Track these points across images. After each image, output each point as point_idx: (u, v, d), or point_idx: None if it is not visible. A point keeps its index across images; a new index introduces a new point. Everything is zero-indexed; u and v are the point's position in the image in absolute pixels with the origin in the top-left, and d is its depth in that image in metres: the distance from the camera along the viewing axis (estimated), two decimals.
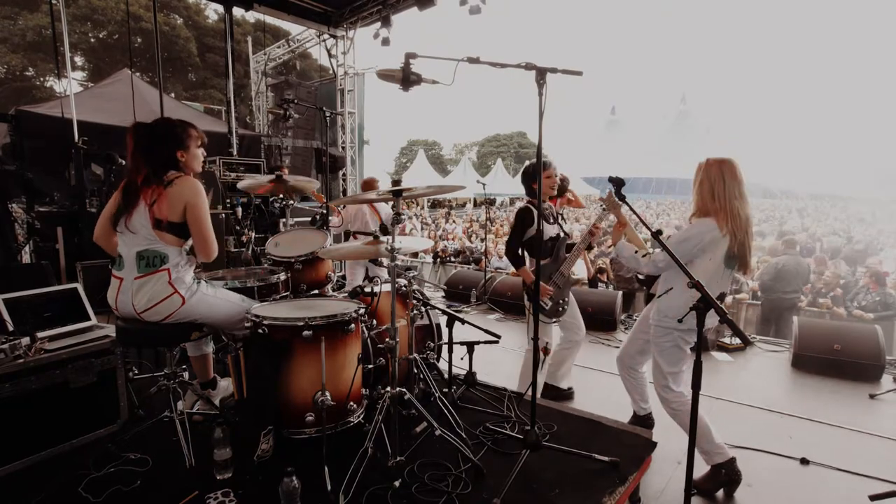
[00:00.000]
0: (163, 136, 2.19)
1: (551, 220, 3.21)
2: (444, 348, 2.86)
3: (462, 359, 3.08)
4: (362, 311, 2.30)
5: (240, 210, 5.02)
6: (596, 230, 3.05)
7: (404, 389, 2.13)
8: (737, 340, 4.50)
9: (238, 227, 5.01)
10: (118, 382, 2.49)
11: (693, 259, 2.28)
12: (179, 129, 2.23)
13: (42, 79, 22.49)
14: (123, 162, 4.46)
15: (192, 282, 2.21)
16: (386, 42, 7.85)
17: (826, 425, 3.11)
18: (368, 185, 5.65)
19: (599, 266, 7.07)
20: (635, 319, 5.40)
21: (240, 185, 3.16)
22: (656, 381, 2.46)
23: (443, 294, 6.86)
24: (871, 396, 3.53)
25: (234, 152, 7.81)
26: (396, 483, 1.94)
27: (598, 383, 3.83)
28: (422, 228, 15.91)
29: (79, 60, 23.13)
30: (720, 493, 2.37)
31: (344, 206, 5.25)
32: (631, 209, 2.18)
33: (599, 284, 6.83)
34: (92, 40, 23.90)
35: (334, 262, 4.45)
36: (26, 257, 5.02)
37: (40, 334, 2.30)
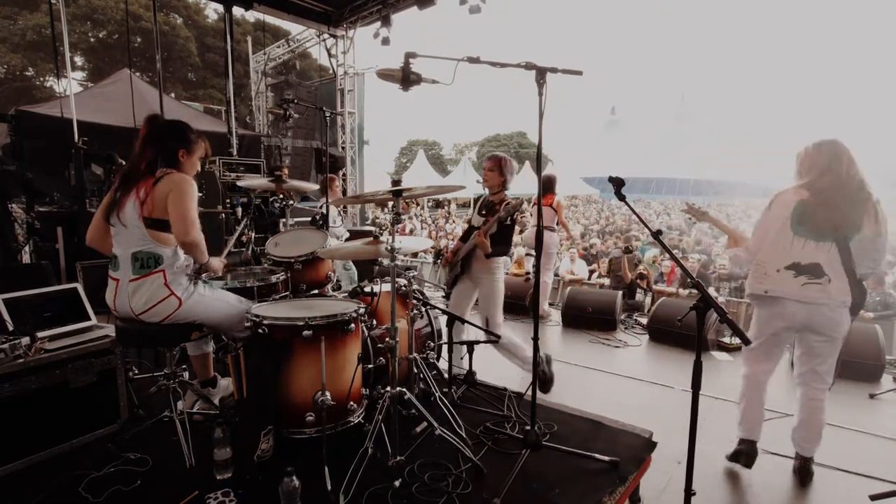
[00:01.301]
0: (175, 132, 2.25)
1: (483, 212, 3.36)
2: (444, 348, 2.87)
3: (462, 359, 3.08)
4: (362, 310, 2.30)
5: (240, 210, 5.02)
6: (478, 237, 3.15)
7: (404, 389, 2.13)
8: (737, 340, 4.50)
9: (238, 227, 5.01)
10: (118, 382, 2.48)
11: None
12: (193, 134, 2.30)
13: (42, 79, 22.47)
14: (123, 163, 4.46)
15: (189, 283, 2.21)
16: (386, 42, 7.85)
17: (826, 425, 3.10)
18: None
19: (640, 272, 6.77)
20: (635, 319, 5.44)
21: (240, 182, 3.17)
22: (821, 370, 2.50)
23: (443, 294, 6.86)
24: (871, 396, 3.53)
25: (234, 152, 7.81)
26: (396, 483, 1.94)
27: (598, 383, 3.83)
28: (421, 228, 15.91)
29: (79, 60, 23.12)
30: (720, 493, 2.38)
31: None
32: (631, 209, 2.18)
33: (638, 292, 6.57)
34: (92, 40, 23.88)
35: (334, 262, 4.46)
36: (26, 257, 5.02)
37: (40, 334, 2.30)
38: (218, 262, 2.34)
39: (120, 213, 2.11)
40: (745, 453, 2.55)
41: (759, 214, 2.50)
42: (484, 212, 3.37)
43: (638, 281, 6.63)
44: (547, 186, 5.29)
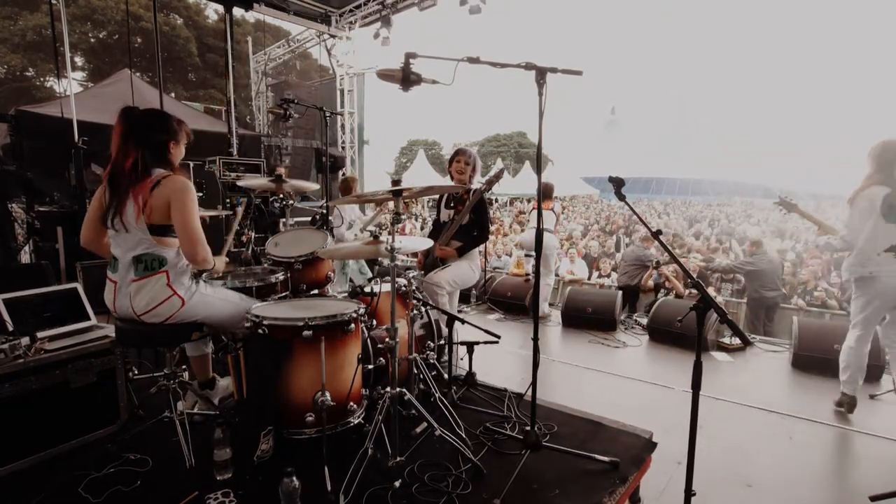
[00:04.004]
0: (159, 123, 2.18)
1: (451, 205, 3.33)
2: (444, 348, 2.86)
3: (462, 359, 3.08)
4: (362, 310, 2.30)
5: (240, 210, 5.01)
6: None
7: (404, 390, 2.13)
8: (737, 340, 4.50)
9: (238, 227, 5.00)
10: (118, 382, 2.48)
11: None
12: (174, 121, 2.22)
13: (42, 79, 22.45)
14: None
15: (191, 282, 2.20)
16: (386, 42, 7.87)
17: (826, 425, 3.11)
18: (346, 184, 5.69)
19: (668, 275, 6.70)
20: (636, 319, 5.43)
21: (240, 182, 3.17)
22: None
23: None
24: (871, 396, 3.53)
25: (234, 152, 7.81)
26: (396, 483, 1.94)
27: (598, 384, 3.83)
28: (421, 228, 15.91)
29: (79, 60, 23.09)
30: (720, 493, 2.38)
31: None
32: (631, 209, 2.19)
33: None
34: (92, 40, 23.86)
35: (334, 262, 4.48)
36: (26, 257, 5.02)
37: (40, 334, 2.30)
38: (221, 263, 2.34)
39: (122, 217, 2.05)
40: (847, 402, 3.19)
41: (848, 211, 3.02)
42: (452, 204, 3.34)
43: (666, 283, 6.56)
44: (545, 194, 5.30)
